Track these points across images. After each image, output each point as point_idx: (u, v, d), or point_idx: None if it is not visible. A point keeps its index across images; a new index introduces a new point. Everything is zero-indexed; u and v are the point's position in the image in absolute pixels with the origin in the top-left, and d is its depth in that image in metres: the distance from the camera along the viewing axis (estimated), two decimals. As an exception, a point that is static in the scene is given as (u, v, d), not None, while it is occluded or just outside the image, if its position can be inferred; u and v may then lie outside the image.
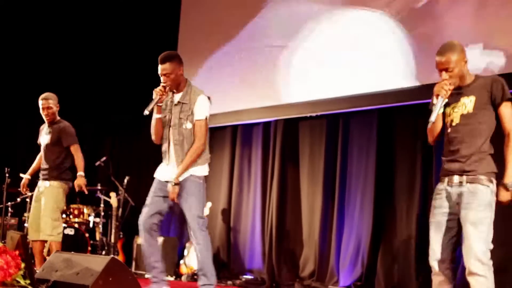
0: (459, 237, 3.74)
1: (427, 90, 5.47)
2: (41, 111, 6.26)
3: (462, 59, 3.69)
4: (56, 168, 6.21)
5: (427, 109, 3.86)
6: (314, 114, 7.43)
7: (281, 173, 7.72)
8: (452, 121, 3.75)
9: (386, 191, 6.76)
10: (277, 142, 7.84)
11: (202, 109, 4.71)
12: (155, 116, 4.79)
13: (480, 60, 5.78)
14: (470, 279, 3.57)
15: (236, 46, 8.24)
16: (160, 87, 4.67)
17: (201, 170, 4.77)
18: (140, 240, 4.82)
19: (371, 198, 6.81)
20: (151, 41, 9.39)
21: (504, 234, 5.65)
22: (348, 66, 6.98)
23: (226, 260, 8.17)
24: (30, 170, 6.47)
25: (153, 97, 4.69)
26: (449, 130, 3.78)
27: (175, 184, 4.66)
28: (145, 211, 4.78)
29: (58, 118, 6.36)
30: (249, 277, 7.80)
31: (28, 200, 7.56)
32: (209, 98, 4.82)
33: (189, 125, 4.70)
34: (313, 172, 7.48)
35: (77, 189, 6.25)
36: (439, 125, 3.82)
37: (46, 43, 9.56)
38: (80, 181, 6.17)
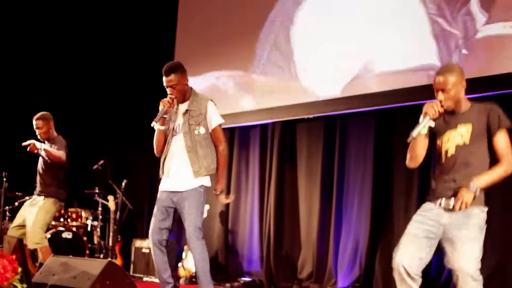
0: (431, 259, 3.70)
1: (424, 91, 5.52)
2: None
3: (460, 82, 3.63)
4: (52, 185, 6.30)
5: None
6: (311, 116, 7.43)
7: (279, 175, 7.72)
8: (447, 151, 3.69)
9: (384, 193, 6.75)
10: (274, 144, 7.84)
11: (217, 115, 4.75)
12: (159, 128, 4.77)
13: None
14: None
15: (233, 49, 8.24)
16: (167, 99, 4.65)
17: (208, 180, 4.76)
18: (152, 255, 4.80)
19: (369, 199, 6.81)
20: (148, 46, 9.41)
21: (497, 243, 5.70)
22: (345, 67, 6.99)
23: (224, 263, 8.16)
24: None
25: (160, 108, 4.67)
26: (443, 160, 3.71)
27: (220, 192, 4.82)
28: (153, 226, 4.73)
29: (55, 134, 6.42)
30: (247, 279, 7.79)
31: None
32: (215, 104, 4.82)
33: (202, 130, 4.69)
34: (311, 174, 7.47)
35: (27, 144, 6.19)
36: (421, 148, 3.74)
37: (45, 50, 9.55)
38: (37, 144, 6.14)
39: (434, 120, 3.64)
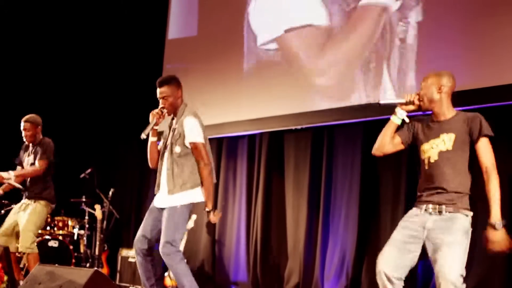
0: (416, 265, 3.76)
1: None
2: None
3: (434, 83, 3.81)
4: (41, 187, 6.28)
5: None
6: (299, 127, 7.45)
7: (266, 186, 7.73)
8: (430, 157, 3.77)
9: (371, 203, 6.78)
10: (262, 154, 7.85)
11: (193, 132, 4.66)
12: (151, 139, 4.78)
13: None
14: None
15: (222, 59, 8.26)
16: (157, 110, 4.68)
17: (190, 196, 4.73)
18: (137, 263, 4.81)
19: (356, 210, 6.83)
20: (137, 55, 9.41)
21: (485, 252, 5.73)
22: (333, 78, 7.03)
23: (211, 272, 8.15)
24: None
25: (150, 120, 4.69)
26: (426, 167, 3.79)
27: (209, 211, 4.80)
28: (138, 234, 4.76)
29: (41, 137, 6.40)
30: (234, 289, 7.80)
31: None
32: (197, 117, 4.76)
33: (177, 149, 4.67)
34: (298, 185, 7.49)
35: None
36: (389, 136, 3.98)
37: (34, 57, 9.52)
38: (5, 174, 6.13)
39: (408, 110, 3.90)
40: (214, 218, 4.86)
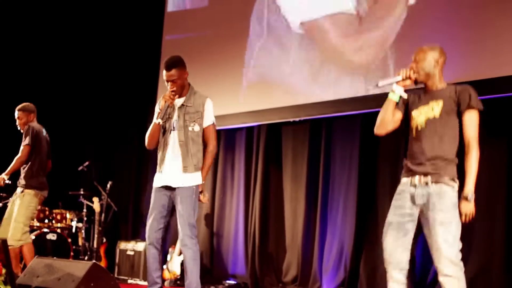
0: (416, 240, 3.80)
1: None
2: None
3: (433, 58, 3.83)
4: (29, 176, 6.23)
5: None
6: (297, 119, 7.44)
7: (264, 178, 7.72)
8: (418, 125, 3.82)
9: (369, 196, 6.78)
10: (260, 147, 7.85)
11: (211, 114, 4.77)
12: (155, 121, 4.76)
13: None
14: (442, 280, 3.60)
15: (220, 52, 8.25)
16: (168, 93, 4.65)
17: (199, 177, 4.72)
18: (146, 253, 4.75)
19: (354, 202, 6.83)
20: (133, 47, 9.39)
21: (482, 245, 5.75)
22: (330, 71, 7.02)
23: (209, 265, 8.15)
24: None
25: (162, 104, 4.68)
26: (414, 135, 3.85)
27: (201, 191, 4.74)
28: (151, 225, 4.68)
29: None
30: (232, 282, 7.78)
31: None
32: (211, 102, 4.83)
33: (196, 128, 4.69)
34: (296, 177, 7.49)
35: None
36: (390, 114, 3.91)
37: (30, 50, 9.51)
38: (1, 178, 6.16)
39: (405, 85, 3.88)
40: (205, 198, 4.86)
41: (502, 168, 5.85)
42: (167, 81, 4.68)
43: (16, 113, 6.36)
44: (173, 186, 4.65)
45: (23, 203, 6.14)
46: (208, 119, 4.75)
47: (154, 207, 4.71)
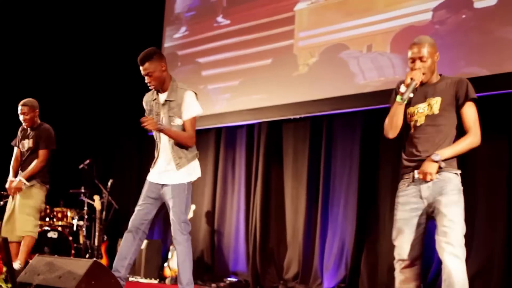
0: (425, 233, 3.78)
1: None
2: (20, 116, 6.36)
3: (434, 53, 3.78)
4: (38, 171, 6.24)
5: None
6: (297, 116, 7.44)
7: (265, 175, 7.72)
8: (416, 121, 3.80)
9: (370, 193, 6.78)
10: (261, 144, 7.84)
11: (190, 107, 4.64)
12: None
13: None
14: (446, 261, 3.54)
15: (220, 48, 8.25)
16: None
17: (192, 174, 4.73)
18: (123, 239, 4.75)
19: (355, 199, 6.83)
20: (134, 44, 9.35)
21: (483, 242, 5.74)
22: (332, 68, 7.01)
23: (210, 263, 8.16)
24: (13, 171, 6.44)
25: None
26: (412, 131, 3.82)
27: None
28: (136, 214, 4.71)
29: (39, 122, 6.43)
30: (233, 279, 7.79)
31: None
32: (195, 94, 4.74)
33: (178, 121, 4.63)
34: (297, 174, 7.48)
35: (10, 193, 6.24)
36: (401, 117, 3.84)
37: (31, 48, 9.50)
38: (17, 184, 6.16)
39: (416, 88, 3.75)
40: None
41: (503, 166, 5.83)
42: (143, 75, 4.63)
43: (21, 108, 6.32)
44: (165, 183, 4.65)
45: (30, 195, 6.16)
46: (187, 112, 4.64)
47: (142, 199, 4.73)
